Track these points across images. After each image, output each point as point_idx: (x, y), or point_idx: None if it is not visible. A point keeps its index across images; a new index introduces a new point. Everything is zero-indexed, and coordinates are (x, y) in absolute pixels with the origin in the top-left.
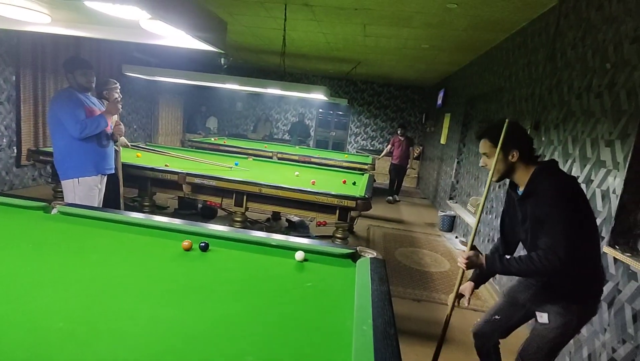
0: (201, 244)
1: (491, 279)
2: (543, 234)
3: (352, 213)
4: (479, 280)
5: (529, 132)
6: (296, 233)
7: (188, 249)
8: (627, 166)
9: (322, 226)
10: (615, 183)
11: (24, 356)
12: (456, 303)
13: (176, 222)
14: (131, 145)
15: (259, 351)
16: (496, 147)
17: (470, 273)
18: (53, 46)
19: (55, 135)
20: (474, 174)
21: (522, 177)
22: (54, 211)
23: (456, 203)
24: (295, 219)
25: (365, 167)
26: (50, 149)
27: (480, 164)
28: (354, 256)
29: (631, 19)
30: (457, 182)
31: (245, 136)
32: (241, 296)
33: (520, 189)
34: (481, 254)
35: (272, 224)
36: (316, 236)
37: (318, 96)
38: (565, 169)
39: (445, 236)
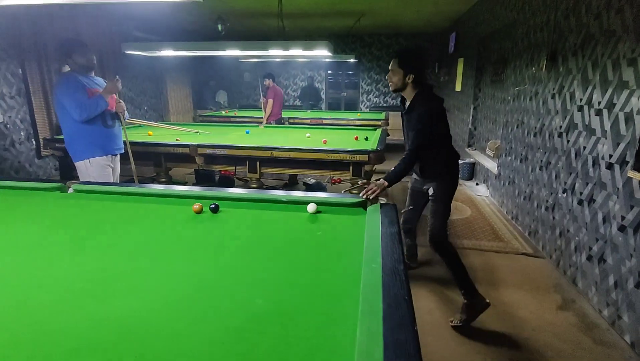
0: (211, 206)
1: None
2: (411, 139)
3: (366, 167)
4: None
5: (545, 64)
6: None
7: (199, 212)
8: None
9: (337, 184)
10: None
11: (49, 311)
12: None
13: (187, 189)
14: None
15: (269, 294)
16: (401, 67)
17: None
18: (52, 34)
19: (62, 119)
20: (491, 118)
21: (409, 95)
22: (70, 190)
23: (475, 149)
24: (311, 181)
25: (379, 123)
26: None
27: (387, 77)
28: (365, 205)
29: None
30: (475, 128)
31: (256, 106)
32: (251, 249)
33: (407, 104)
34: (381, 180)
35: (289, 188)
36: None
37: (322, 52)
38: (585, 97)
39: (465, 184)
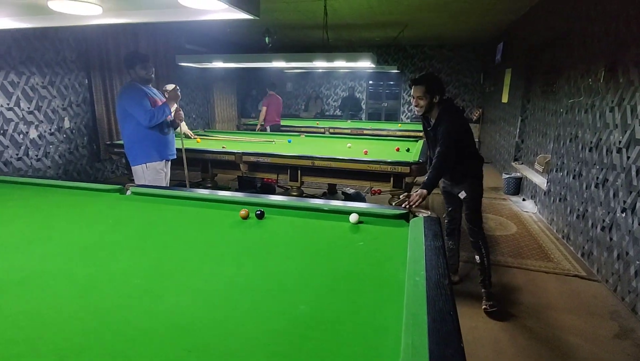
0: (257, 212)
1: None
2: (438, 146)
3: (407, 179)
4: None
5: (603, 75)
6: None
7: (245, 218)
8: None
9: (377, 195)
10: None
11: (110, 305)
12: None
13: (234, 195)
14: (193, 135)
15: (312, 300)
16: (428, 92)
17: None
18: (114, 47)
19: (124, 126)
20: (540, 131)
21: (434, 113)
22: (128, 192)
23: (522, 163)
24: (350, 191)
25: (420, 134)
26: (122, 142)
27: (413, 104)
28: (407, 217)
29: None
30: (522, 142)
31: (297, 115)
32: (294, 256)
33: (432, 121)
34: (420, 190)
35: (328, 198)
36: None
37: (365, 64)
38: None
39: (510, 199)
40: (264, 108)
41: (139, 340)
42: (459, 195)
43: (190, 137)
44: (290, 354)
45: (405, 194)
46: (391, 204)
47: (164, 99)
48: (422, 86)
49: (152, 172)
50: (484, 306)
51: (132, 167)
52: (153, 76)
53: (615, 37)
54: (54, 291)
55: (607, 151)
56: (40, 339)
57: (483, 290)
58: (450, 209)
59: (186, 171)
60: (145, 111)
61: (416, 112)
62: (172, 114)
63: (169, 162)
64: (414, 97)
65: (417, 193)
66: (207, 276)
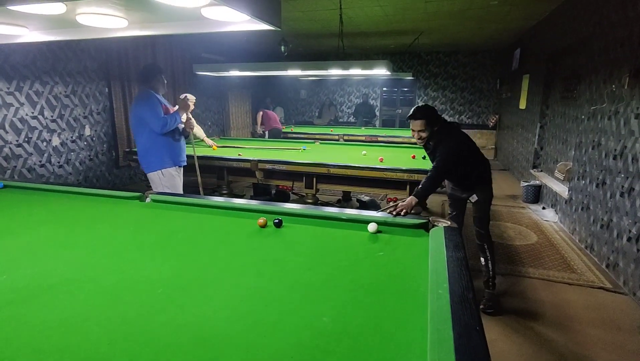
0: (275, 220)
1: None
2: (438, 162)
3: None
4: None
5: (627, 81)
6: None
7: (263, 226)
8: None
9: (393, 203)
10: None
11: (135, 314)
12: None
13: (251, 203)
14: (211, 142)
15: (334, 313)
16: (429, 124)
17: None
18: (133, 57)
19: (138, 133)
20: (560, 137)
21: (434, 138)
22: (147, 199)
23: (541, 171)
24: (365, 198)
25: None
26: None
27: (415, 138)
28: (427, 227)
29: None
30: (542, 148)
31: (311, 122)
32: (314, 266)
33: (430, 144)
34: (410, 197)
35: (343, 205)
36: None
37: (380, 71)
38: None
39: (530, 207)
40: (259, 113)
41: (163, 351)
42: (470, 199)
43: (210, 146)
44: None
45: (394, 198)
46: (380, 209)
47: (175, 108)
48: (422, 120)
49: (168, 178)
50: (481, 306)
51: (148, 175)
52: (165, 86)
53: (639, 41)
54: (80, 300)
55: (632, 159)
56: (68, 348)
57: (486, 290)
58: (454, 213)
59: (199, 178)
60: (159, 118)
61: (418, 144)
62: (183, 122)
63: (182, 169)
64: (414, 131)
65: (407, 201)
66: (228, 287)
